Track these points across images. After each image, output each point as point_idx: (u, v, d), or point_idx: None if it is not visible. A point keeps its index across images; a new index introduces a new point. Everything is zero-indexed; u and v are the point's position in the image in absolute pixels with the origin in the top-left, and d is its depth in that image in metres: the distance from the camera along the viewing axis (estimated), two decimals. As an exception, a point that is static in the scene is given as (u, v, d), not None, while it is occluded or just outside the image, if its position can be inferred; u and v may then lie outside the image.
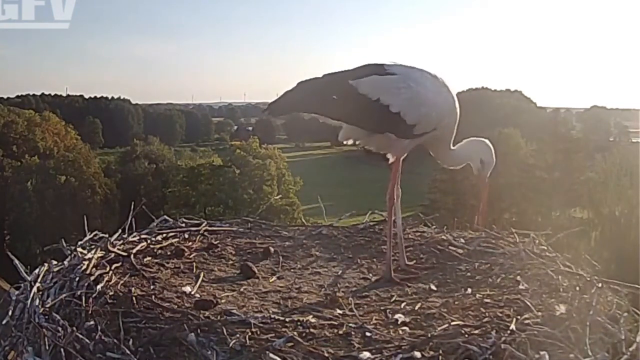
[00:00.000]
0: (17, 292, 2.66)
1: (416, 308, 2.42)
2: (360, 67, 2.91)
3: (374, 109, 2.82)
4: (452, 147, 3.06)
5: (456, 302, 2.46)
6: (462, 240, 3.41)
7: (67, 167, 27.07)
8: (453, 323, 2.19)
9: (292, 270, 3.12)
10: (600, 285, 2.54)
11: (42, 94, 58.71)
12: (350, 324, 2.19)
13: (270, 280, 2.92)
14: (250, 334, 2.09)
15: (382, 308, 2.45)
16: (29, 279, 2.70)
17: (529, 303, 2.34)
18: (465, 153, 3.07)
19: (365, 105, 2.81)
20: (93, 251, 2.94)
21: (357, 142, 3.06)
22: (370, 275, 3.01)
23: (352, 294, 2.66)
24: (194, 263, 3.09)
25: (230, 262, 3.20)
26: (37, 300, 2.42)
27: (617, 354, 2.08)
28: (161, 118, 62.36)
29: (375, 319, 2.30)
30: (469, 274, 2.91)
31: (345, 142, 3.06)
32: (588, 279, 2.60)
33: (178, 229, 3.59)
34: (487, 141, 3.07)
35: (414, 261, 3.16)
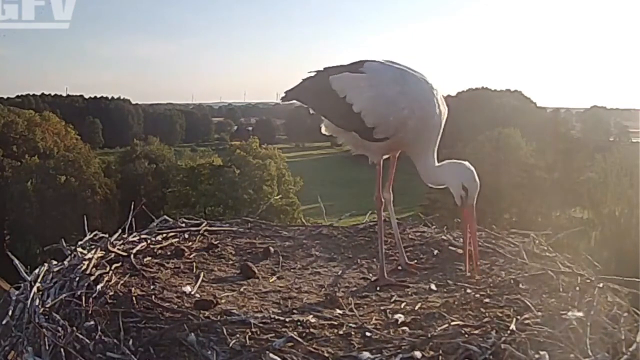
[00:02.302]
0: (17, 292, 2.66)
1: (416, 308, 2.42)
2: (349, 63, 2.91)
3: (341, 107, 2.79)
4: (435, 163, 2.80)
5: (456, 302, 2.46)
6: (462, 240, 3.40)
7: (67, 167, 27.05)
8: (453, 323, 2.18)
9: (292, 270, 3.12)
10: (600, 285, 2.54)
11: (42, 94, 58.75)
12: (350, 324, 2.19)
13: (270, 280, 2.92)
14: (250, 334, 2.09)
15: (382, 308, 2.45)
16: (29, 279, 2.70)
17: (529, 303, 2.34)
18: (445, 175, 2.79)
19: (335, 101, 2.81)
20: (93, 251, 2.94)
21: (335, 137, 3.07)
22: (370, 275, 3.01)
23: (352, 294, 2.66)
24: (194, 263, 3.09)
25: (230, 262, 3.20)
26: (37, 300, 2.42)
27: (617, 354, 2.08)
28: (161, 118, 62.36)
29: (375, 319, 2.29)
30: (469, 274, 2.91)
31: (326, 134, 3.13)
32: (588, 280, 2.59)
33: (178, 229, 3.59)
34: (467, 164, 2.75)
35: (415, 261, 3.16)
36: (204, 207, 24.34)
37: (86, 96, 61.16)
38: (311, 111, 3.05)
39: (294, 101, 3.14)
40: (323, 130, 3.11)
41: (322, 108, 2.97)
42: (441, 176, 2.80)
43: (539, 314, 2.24)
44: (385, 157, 2.99)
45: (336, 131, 3.01)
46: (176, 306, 2.38)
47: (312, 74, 3.03)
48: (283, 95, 3.13)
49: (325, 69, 2.98)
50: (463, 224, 2.83)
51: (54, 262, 2.89)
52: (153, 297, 2.44)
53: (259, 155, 25.97)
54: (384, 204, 3.04)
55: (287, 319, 2.22)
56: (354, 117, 2.76)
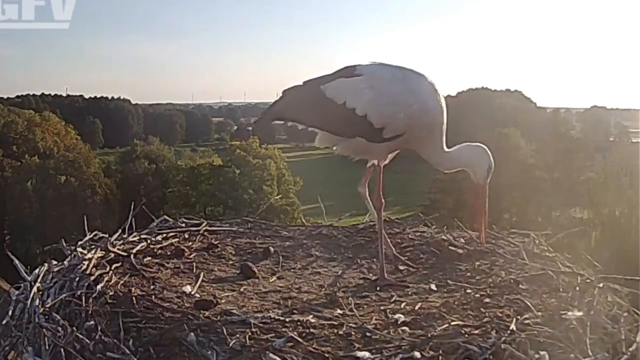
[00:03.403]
0: (17, 292, 2.66)
1: (416, 308, 2.42)
2: (337, 70, 2.86)
3: (342, 114, 2.73)
4: (445, 149, 2.87)
5: (456, 302, 2.46)
6: (462, 240, 3.41)
7: (67, 167, 27.08)
8: (453, 323, 2.18)
9: (292, 270, 3.12)
10: (600, 285, 2.54)
11: (42, 94, 58.85)
12: (350, 324, 2.19)
13: (270, 280, 2.92)
14: (250, 334, 2.09)
15: (382, 308, 2.45)
16: (29, 279, 2.70)
17: (529, 303, 2.34)
18: (464, 158, 2.87)
19: (333, 110, 2.74)
20: (93, 251, 2.94)
21: (334, 148, 2.98)
22: (370, 275, 3.01)
23: (352, 294, 2.66)
24: (194, 263, 3.08)
25: (230, 262, 3.20)
26: (37, 300, 2.41)
27: (617, 354, 2.08)
28: (161, 118, 62.43)
29: (375, 319, 2.29)
30: (469, 274, 2.91)
31: (321, 147, 3.04)
32: (588, 280, 2.59)
33: (178, 229, 3.59)
34: (483, 147, 2.87)
35: (405, 257, 3.15)
36: (204, 207, 24.39)
37: (86, 96, 61.36)
38: (300, 127, 2.95)
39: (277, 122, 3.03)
40: (317, 143, 3.01)
41: (316, 120, 2.87)
42: (458, 161, 2.87)
43: (539, 314, 2.24)
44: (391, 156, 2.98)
45: (335, 141, 2.93)
46: (176, 306, 2.38)
47: (284, 93, 2.94)
48: (257, 118, 3.03)
49: (304, 83, 2.91)
50: (479, 199, 2.90)
51: (54, 262, 2.88)
52: (153, 297, 2.44)
53: (259, 155, 25.99)
54: (381, 205, 3.00)
55: (287, 319, 2.22)
56: (358, 121, 2.72)
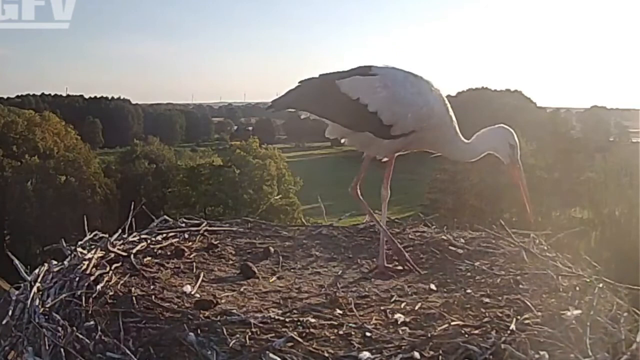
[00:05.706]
0: (17, 292, 2.66)
1: (416, 308, 2.42)
2: (352, 68, 3.02)
3: (354, 108, 2.89)
4: (465, 141, 3.03)
5: (456, 302, 2.46)
6: (462, 240, 3.41)
7: (67, 167, 27.09)
8: (453, 323, 2.19)
9: (292, 270, 3.12)
10: (600, 285, 2.54)
11: (42, 94, 58.88)
12: (350, 324, 2.20)
13: (270, 280, 2.92)
14: (250, 334, 2.09)
15: (382, 308, 2.45)
16: (29, 279, 2.70)
17: (529, 303, 2.34)
18: (487, 143, 3.01)
19: (346, 104, 2.90)
20: (93, 251, 2.94)
21: (342, 140, 3.14)
22: (370, 275, 3.01)
23: (352, 294, 2.66)
24: (194, 263, 3.09)
25: (230, 262, 3.20)
26: (37, 300, 2.42)
27: (617, 354, 2.08)
28: (161, 118, 62.34)
29: (375, 319, 2.30)
30: (469, 274, 2.91)
31: (331, 137, 3.15)
32: (588, 280, 2.59)
33: (178, 229, 3.59)
34: (503, 125, 3.03)
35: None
36: (204, 207, 24.38)
37: (86, 96, 61.29)
38: (312, 117, 3.10)
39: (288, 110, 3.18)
40: (327, 134, 3.14)
41: (329, 112, 3.01)
42: (481, 147, 3.02)
43: (539, 314, 2.24)
44: (397, 154, 3.11)
45: (344, 133, 3.07)
46: (176, 306, 2.38)
47: (300, 84, 3.07)
48: (269, 105, 3.15)
49: (320, 75, 3.05)
50: (514, 180, 3.08)
51: (54, 262, 2.88)
52: (153, 297, 2.44)
53: (259, 155, 25.98)
54: (387, 196, 3.17)
55: (287, 319, 2.22)
56: (369, 117, 2.88)
